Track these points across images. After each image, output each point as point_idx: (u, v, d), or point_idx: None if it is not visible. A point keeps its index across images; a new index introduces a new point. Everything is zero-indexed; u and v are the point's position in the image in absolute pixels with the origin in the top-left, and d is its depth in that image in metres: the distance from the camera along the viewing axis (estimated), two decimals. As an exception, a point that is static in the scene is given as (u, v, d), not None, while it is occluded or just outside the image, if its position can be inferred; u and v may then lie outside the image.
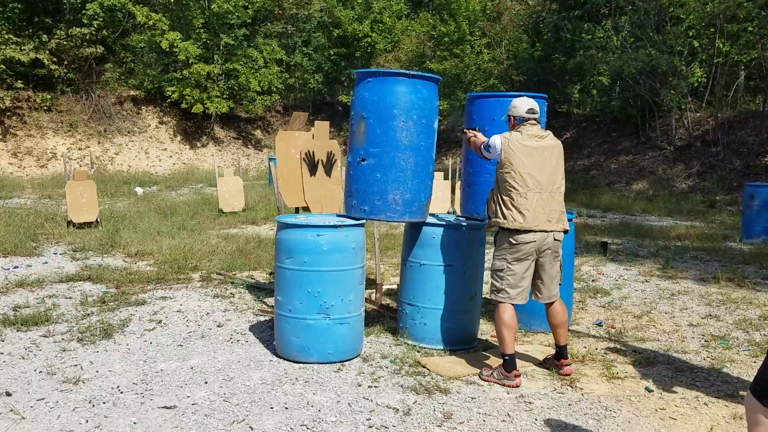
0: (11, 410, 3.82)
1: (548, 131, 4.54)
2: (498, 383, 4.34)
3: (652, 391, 4.31)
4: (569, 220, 5.73)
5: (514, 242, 4.27)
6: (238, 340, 5.25)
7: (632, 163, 20.59)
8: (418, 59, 26.22)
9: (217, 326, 5.62)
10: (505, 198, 4.26)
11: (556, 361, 4.58)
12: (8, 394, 4.06)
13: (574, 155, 21.92)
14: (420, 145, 4.86)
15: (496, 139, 4.35)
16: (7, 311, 5.88)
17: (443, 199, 11.72)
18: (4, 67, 20.67)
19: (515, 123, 4.44)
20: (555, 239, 4.34)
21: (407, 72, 4.83)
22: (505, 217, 4.25)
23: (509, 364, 4.35)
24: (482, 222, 5.08)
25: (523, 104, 4.42)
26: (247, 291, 6.89)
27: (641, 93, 20.40)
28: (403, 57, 27.41)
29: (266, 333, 5.40)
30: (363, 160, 4.86)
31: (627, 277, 7.89)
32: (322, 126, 6.21)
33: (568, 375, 4.49)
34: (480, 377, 4.44)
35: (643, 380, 4.50)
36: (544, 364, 4.70)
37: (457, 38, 25.05)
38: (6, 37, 20.79)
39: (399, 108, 4.74)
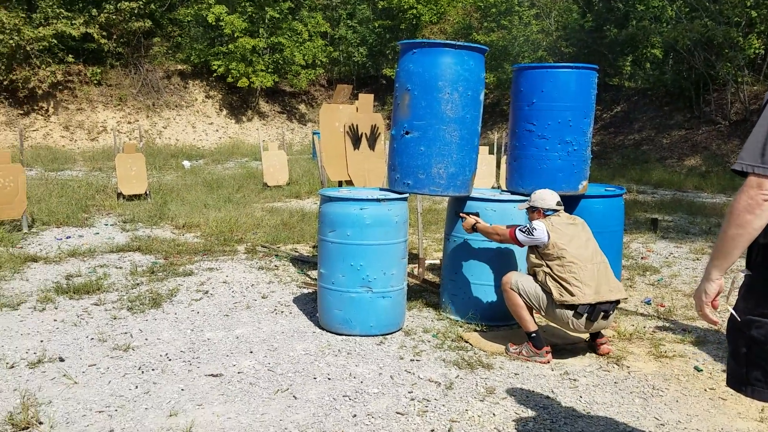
0: (64, 375, 3.95)
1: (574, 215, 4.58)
2: (527, 360, 4.31)
3: (702, 370, 4.21)
4: (619, 195, 5.61)
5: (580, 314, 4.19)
6: (282, 312, 5.31)
7: (685, 138, 19.97)
8: (464, 31, 25.79)
9: (262, 297, 5.69)
10: (565, 276, 4.16)
11: (592, 342, 4.52)
12: (61, 360, 4.20)
13: (624, 129, 21.37)
14: (465, 118, 4.78)
15: (539, 224, 4.29)
16: (60, 280, 6.07)
17: (488, 173, 11.57)
18: (55, 41, 21.11)
19: (544, 215, 4.39)
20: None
21: (453, 42, 4.74)
22: (573, 294, 4.12)
23: (537, 340, 4.33)
24: (527, 197, 5.00)
25: (550, 197, 4.42)
26: (290, 264, 6.96)
27: (695, 65, 19.69)
28: (449, 29, 27.00)
29: (309, 305, 5.45)
30: (407, 133, 4.81)
31: (677, 255, 7.69)
32: (367, 99, 6.17)
33: (607, 354, 4.42)
34: (506, 353, 4.41)
35: (692, 359, 4.40)
36: (587, 345, 4.64)
37: (504, 9, 24.54)
38: (57, 11, 21.20)
39: (444, 80, 4.66)
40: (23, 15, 20.61)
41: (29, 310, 5.21)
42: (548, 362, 4.29)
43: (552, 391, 3.85)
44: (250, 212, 9.77)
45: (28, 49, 20.48)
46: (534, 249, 4.33)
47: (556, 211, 4.39)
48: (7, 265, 6.49)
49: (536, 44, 24.57)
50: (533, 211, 4.45)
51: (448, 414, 3.53)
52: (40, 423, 3.32)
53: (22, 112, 21.34)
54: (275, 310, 5.36)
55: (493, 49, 22.43)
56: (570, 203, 5.39)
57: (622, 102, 23.21)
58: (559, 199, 4.44)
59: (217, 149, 22.68)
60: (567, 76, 5.16)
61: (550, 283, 4.20)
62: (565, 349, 4.55)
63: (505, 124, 23.44)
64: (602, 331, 4.53)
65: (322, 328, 4.85)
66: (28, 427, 3.26)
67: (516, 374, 4.10)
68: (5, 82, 20.68)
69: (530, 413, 3.57)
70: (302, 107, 28.19)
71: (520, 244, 4.39)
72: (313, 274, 6.43)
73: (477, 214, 4.83)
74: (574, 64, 5.25)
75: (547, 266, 4.24)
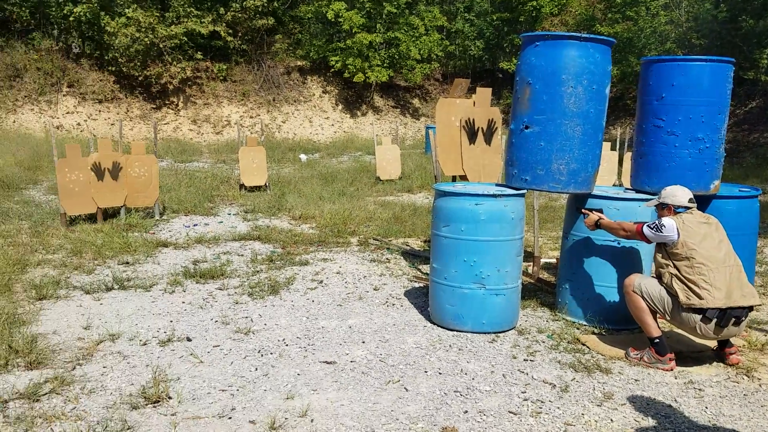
0: (191, 354, 4.18)
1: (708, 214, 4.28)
2: (649, 366, 4.10)
3: None
4: (754, 196, 5.22)
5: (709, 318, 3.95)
6: (393, 304, 5.35)
7: (830, 136, 18.27)
8: (587, 23, 24.84)
9: (374, 289, 5.77)
10: (694, 278, 3.94)
11: (720, 351, 4.23)
12: (189, 339, 4.45)
13: (760, 126, 19.83)
14: (589, 113, 4.61)
15: (669, 221, 4.06)
16: (188, 264, 6.43)
17: (609, 170, 11.12)
18: (185, 39, 22.37)
19: (675, 212, 4.16)
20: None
21: (578, 35, 4.57)
22: (701, 297, 3.90)
23: (660, 346, 4.11)
24: (653, 196, 4.75)
25: (682, 194, 4.19)
26: (402, 257, 7.01)
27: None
28: (571, 21, 26.11)
29: (420, 299, 5.47)
30: (526, 127, 4.70)
31: (820, 263, 7.05)
32: (484, 93, 6.09)
33: (736, 364, 4.13)
34: (626, 358, 4.21)
35: (837, 378, 4.02)
36: (714, 354, 4.36)
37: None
38: (188, 10, 22.45)
39: (568, 73, 4.50)
40: (157, 14, 21.98)
41: (160, 292, 5.56)
42: (671, 370, 4.07)
43: (675, 400, 3.65)
44: (363, 205, 9.94)
45: (161, 46, 21.83)
46: (661, 248, 4.12)
47: (688, 208, 4.15)
48: (141, 249, 6.97)
49: (664, 36, 23.28)
50: (663, 208, 4.23)
51: (562, 417, 3.42)
52: (169, 398, 3.54)
53: (154, 106, 22.80)
54: (387, 302, 5.42)
55: (618, 41, 21.47)
56: (700, 204, 5.07)
57: (757, 97, 21.54)
58: (691, 195, 4.21)
59: (332, 143, 23.23)
60: (700, 70, 4.87)
61: (677, 285, 3.97)
62: (690, 357, 4.30)
63: (628, 119, 22.42)
64: (731, 340, 4.24)
65: (433, 323, 4.85)
66: (158, 401, 3.49)
67: (636, 380, 3.92)
68: (140, 78, 22.16)
69: (651, 422, 3.40)
70: (416, 102, 28.28)
71: (648, 241, 4.19)
72: (424, 268, 6.44)
73: (600, 211, 4.65)
74: (709, 57, 4.93)
75: (675, 267, 4.01)
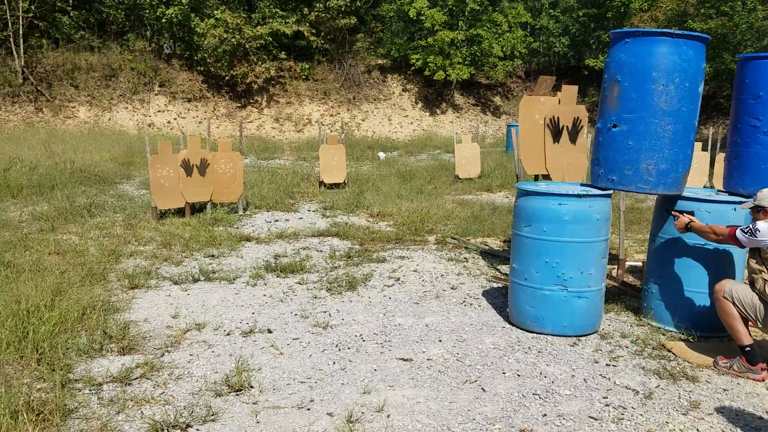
0: (272, 345, 4.29)
1: None
2: (739, 375, 3.89)
3: None
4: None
5: None
6: (471, 304, 5.31)
7: None
8: (679, 18, 23.83)
9: (451, 288, 5.74)
10: None
11: None
12: (269, 331, 4.57)
13: None
14: (681, 111, 4.42)
15: (765, 226, 3.83)
16: (270, 259, 6.60)
17: (700, 171, 10.65)
18: (270, 39, 22.95)
19: None
20: None
21: (670, 31, 4.39)
22: None
23: (751, 355, 3.91)
24: (747, 198, 4.51)
25: None
26: (480, 257, 6.94)
27: None
28: (661, 16, 25.10)
29: (498, 299, 5.40)
30: (614, 126, 4.55)
31: None
32: (570, 90, 5.94)
33: None
34: (715, 366, 4.01)
35: None
36: None
37: (726, -7, 22.30)
38: (274, 11, 23.02)
39: (659, 70, 4.33)
40: (244, 15, 22.65)
41: (243, 285, 5.73)
42: (763, 380, 3.86)
43: (766, 412, 3.46)
44: (441, 204, 9.90)
45: (247, 47, 22.49)
46: (755, 253, 3.91)
47: None
48: (226, 243, 7.20)
49: (761, 32, 22.02)
50: (758, 211, 4.00)
51: (646, 424, 3.31)
52: (251, 387, 3.64)
53: (239, 105, 23.52)
54: (464, 301, 5.38)
55: (712, 37, 20.49)
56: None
57: None
58: None
59: (410, 141, 23.28)
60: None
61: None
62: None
63: (721, 119, 21.39)
64: None
65: (512, 324, 4.79)
66: (241, 389, 3.60)
67: (725, 390, 3.73)
68: (227, 78, 22.91)
69: (742, 436, 3.24)
70: (497, 99, 27.95)
71: (741, 245, 3.99)
72: (503, 268, 6.36)
73: (692, 213, 4.46)
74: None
75: (760, 273, 3.81)
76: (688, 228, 4.39)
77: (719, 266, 4.49)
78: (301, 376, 3.83)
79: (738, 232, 3.96)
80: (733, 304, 3.96)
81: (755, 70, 4.76)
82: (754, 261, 3.93)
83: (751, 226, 3.91)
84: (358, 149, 18.69)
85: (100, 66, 21.86)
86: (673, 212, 4.58)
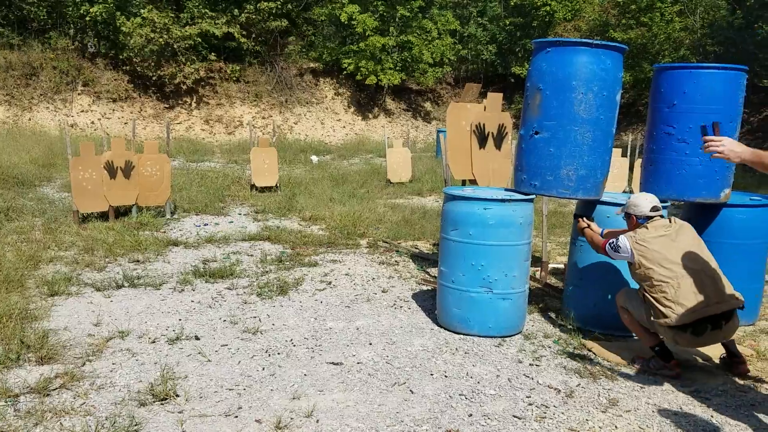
0: (199, 353, 4.22)
1: (673, 217, 4.20)
2: (655, 373, 4.11)
3: None
4: (765, 205, 5.19)
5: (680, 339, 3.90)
6: (401, 307, 5.38)
7: None
8: (600, 28, 24.76)
9: (382, 291, 5.80)
10: (657, 296, 3.87)
11: (727, 360, 4.22)
12: (197, 338, 4.49)
13: (774, 135, 19.69)
14: (599, 119, 4.61)
15: (624, 241, 4.03)
16: (198, 264, 6.48)
17: (619, 177, 11.10)
18: (200, 40, 22.52)
19: (637, 222, 4.11)
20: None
21: (589, 41, 4.58)
22: (665, 315, 3.82)
23: (663, 353, 4.10)
24: (665, 203, 4.75)
25: (645, 202, 4.10)
26: (410, 260, 7.03)
27: None
28: (584, 26, 26.04)
29: (428, 302, 5.49)
30: (536, 133, 4.71)
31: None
32: (495, 98, 6.10)
33: (744, 374, 4.11)
34: (632, 365, 4.22)
35: None
36: (721, 364, 4.34)
37: (645, 5, 23.32)
38: (203, 11, 22.60)
39: (579, 79, 4.51)
40: (172, 15, 22.13)
41: (170, 291, 5.61)
42: (677, 376, 4.06)
43: (680, 408, 3.65)
44: (373, 207, 9.96)
45: (175, 47, 21.98)
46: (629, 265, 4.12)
47: (650, 218, 4.08)
48: (152, 247, 7.03)
49: (678, 42, 23.17)
50: (628, 218, 4.21)
51: (567, 422, 3.43)
52: (177, 395, 3.58)
53: (167, 106, 22.94)
54: (395, 304, 5.44)
55: (631, 47, 21.39)
56: (710, 212, 5.07)
57: (773, 105, 21.40)
58: (656, 203, 4.11)
59: (343, 145, 23.28)
60: (712, 77, 4.86)
61: (647, 302, 3.97)
62: (696, 365, 4.29)
63: (640, 126, 22.33)
64: (740, 351, 4.23)
65: (440, 326, 4.87)
66: (166, 398, 3.53)
67: (642, 387, 3.92)
68: (154, 78, 22.32)
69: (655, 429, 3.40)
70: (427, 105, 28.30)
71: (612, 258, 4.20)
72: (433, 271, 6.46)
73: (592, 220, 4.67)
74: (721, 65, 4.92)
75: (640, 284, 4.02)
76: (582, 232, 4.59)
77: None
78: (230, 383, 3.79)
79: (607, 247, 4.14)
80: (628, 311, 4.17)
81: (670, 79, 5.01)
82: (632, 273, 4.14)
83: (615, 240, 4.09)
84: (290, 152, 18.55)
85: (20, 64, 20.90)
86: (577, 217, 4.78)
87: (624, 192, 9.69)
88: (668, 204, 4.88)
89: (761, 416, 3.59)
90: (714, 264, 3.94)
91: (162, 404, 3.47)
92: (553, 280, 6.29)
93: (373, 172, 14.73)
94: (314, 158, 18.08)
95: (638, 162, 10.66)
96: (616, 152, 10.64)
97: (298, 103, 25.24)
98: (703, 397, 3.81)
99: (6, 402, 3.41)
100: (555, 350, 4.47)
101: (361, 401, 3.60)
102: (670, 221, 4.13)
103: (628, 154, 12.21)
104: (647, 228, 4.05)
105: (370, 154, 20.64)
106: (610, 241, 4.15)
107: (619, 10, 24.83)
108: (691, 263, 3.88)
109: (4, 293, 5.09)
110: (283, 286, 5.76)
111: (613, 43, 4.67)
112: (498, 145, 6.06)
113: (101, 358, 4.09)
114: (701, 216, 5.07)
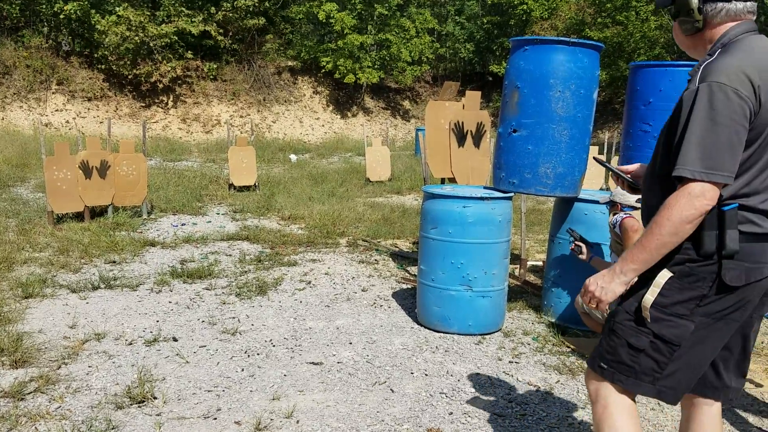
0: (177, 354, 4.17)
1: None
2: None
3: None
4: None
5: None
6: (381, 305, 5.37)
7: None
8: (577, 27, 24.99)
9: (362, 290, 5.78)
10: None
11: None
12: (175, 339, 4.44)
13: (746, 132, 19.98)
14: (576, 117, 4.64)
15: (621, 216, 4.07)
16: (176, 264, 6.42)
17: (596, 174, 11.20)
18: (176, 38, 22.31)
19: (621, 210, 4.14)
20: None
21: (567, 39, 4.61)
22: None
23: None
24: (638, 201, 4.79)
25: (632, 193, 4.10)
26: (390, 258, 7.02)
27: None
28: (561, 25, 26.25)
29: (408, 300, 5.48)
30: (514, 131, 4.73)
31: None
32: (473, 96, 6.12)
33: None
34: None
35: (818, 382, 4.07)
36: None
37: (620, 4, 23.57)
38: (179, 9, 22.39)
39: (556, 77, 4.54)
40: (148, 13, 21.90)
41: (147, 292, 5.55)
42: None
43: (658, 404, 3.68)
44: (353, 206, 9.94)
45: (151, 45, 21.76)
46: None
47: (635, 208, 4.11)
48: (128, 248, 6.94)
49: (653, 41, 23.45)
50: (613, 206, 4.24)
51: (547, 419, 3.45)
52: (155, 398, 3.53)
53: (144, 104, 22.71)
54: (374, 303, 5.43)
55: (607, 45, 21.60)
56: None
57: (745, 103, 21.68)
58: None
59: (322, 144, 23.22)
60: (687, 75, 4.90)
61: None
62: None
63: (616, 124, 22.56)
64: None
65: (420, 324, 4.87)
66: (143, 401, 3.48)
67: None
68: (130, 77, 22.07)
69: (634, 425, 3.43)
70: (406, 103, 28.33)
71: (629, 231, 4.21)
72: (412, 269, 6.46)
73: (585, 242, 4.49)
74: (694, 63, 4.98)
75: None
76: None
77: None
78: (208, 384, 3.75)
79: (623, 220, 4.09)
80: (588, 315, 4.20)
81: (646, 77, 5.06)
82: None
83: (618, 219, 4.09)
84: (269, 151, 18.46)
85: (-9, 62, 20.57)
86: (573, 233, 4.63)
87: (601, 189, 9.78)
88: None
89: (745, 415, 3.64)
90: None
91: (139, 407, 3.43)
92: (532, 278, 6.33)
93: (352, 171, 14.71)
94: (293, 157, 18.01)
95: (615, 159, 10.78)
96: (593, 150, 10.76)
97: (276, 102, 25.12)
98: (680, 392, 3.85)
99: (-21, 407, 3.34)
100: (534, 347, 4.50)
101: (342, 401, 3.58)
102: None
103: (605, 151, 12.33)
104: (633, 217, 4.11)
105: (349, 152, 20.61)
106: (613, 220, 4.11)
107: (595, 8, 25.07)
108: None
109: (-23, 296, 5.00)
110: (262, 286, 5.73)
111: (590, 42, 4.71)
112: (477, 144, 6.08)
113: (77, 360, 4.03)
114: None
